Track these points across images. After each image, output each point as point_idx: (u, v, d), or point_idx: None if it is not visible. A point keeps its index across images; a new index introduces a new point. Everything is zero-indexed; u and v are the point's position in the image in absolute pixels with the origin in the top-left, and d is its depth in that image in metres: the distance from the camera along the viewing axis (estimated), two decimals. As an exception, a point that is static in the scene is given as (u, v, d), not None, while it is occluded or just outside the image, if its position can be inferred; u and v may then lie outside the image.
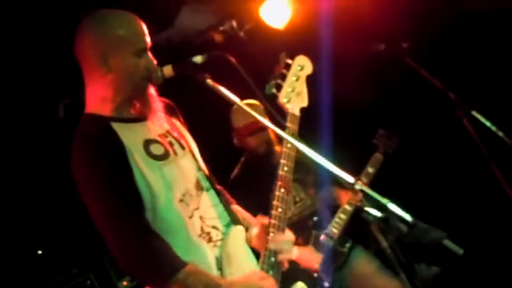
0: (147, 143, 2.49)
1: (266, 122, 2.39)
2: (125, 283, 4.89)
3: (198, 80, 2.43)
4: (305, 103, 2.90)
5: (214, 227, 2.55)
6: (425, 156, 5.22)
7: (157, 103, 2.60)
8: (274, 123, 2.43)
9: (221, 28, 4.61)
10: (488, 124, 3.48)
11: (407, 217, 1.98)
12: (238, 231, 2.60)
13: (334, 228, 4.00)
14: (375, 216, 2.06)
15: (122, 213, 2.34)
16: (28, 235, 4.99)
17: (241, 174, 4.27)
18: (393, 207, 2.02)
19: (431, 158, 5.22)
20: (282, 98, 2.82)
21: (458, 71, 4.65)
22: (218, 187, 2.73)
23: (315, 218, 4.08)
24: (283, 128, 2.71)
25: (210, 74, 2.43)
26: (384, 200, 2.03)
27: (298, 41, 4.76)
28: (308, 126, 3.01)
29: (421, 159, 5.23)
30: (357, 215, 3.98)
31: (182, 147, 2.64)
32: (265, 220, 2.65)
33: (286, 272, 2.61)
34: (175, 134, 2.67)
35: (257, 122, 4.06)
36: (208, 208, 2.57)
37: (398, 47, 3.79)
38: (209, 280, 2.34)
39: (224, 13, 4.78)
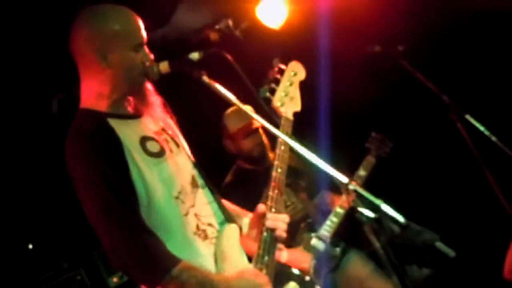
0: (143, 140, 2.49)
1: (261, 120, 2.39)
2: (115, 279, 4.88)
3: (194, 77, 2.42)
4: (298, 107, 2.96)
5: (209, 225, 2.54)
6: (418, 159, 5.23)
7: (154, 97, 2.59)
8: (269, 123, 2.44)
9: (217, 27, 4.60)
10: (481, 128, 3.49)
11: (400, 218, 1.99)
12: (232, 229, 2.59)
13: (326, 231, 4.00)
14: (368, 217, 2.06)
15: (117, 210, 2.33)
16: (19, 230, 4.98)
17: (233, 181, 4.27)
18: (386, 208, 2.02)
19: (424, 161, 5.23)
20: (276, 102, 2.88)
21: (453, 75, 4.67)
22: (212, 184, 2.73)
23: (308, 220, 4.09)
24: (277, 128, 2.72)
25: (206, 72, 2.43)
26: (377, 201, 2.04)
27: (293, 41, 4.76)
28: (304, 127, 3.02)
29: (415, 161, 5.24)
30: (351, 218, 3.99)
31: (177, 145, 2.65)
32: (260, 206, 2.64)
33: (278, 274, 2.60)
34: (170, 132, 2.68)
35: (251, 124, 4.10)
36: (203, 205, 2.57)
37: (393, 49, 3.80)
38: (203, 276, 2.34)
39: (220, 12, 4.77)
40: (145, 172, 2.40)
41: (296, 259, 3.86)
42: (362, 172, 4.19)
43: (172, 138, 2.65)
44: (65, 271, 4.89)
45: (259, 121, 2.38)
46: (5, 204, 4.88)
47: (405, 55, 3.77)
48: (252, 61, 3.02)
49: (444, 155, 5.06)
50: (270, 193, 2.65)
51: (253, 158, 4.17)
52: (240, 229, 2.65)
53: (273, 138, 2.86)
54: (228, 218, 2.64)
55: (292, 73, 2.96)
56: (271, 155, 4.13)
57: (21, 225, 4.99)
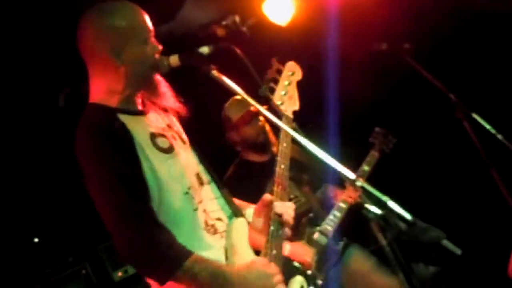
0: (153, 136, 2.49)
1: (262, 109, 2.41)
2: (120, 273, 4.90)
3: (203, 71, 2.43)
4: (297, 106, 3.01)
5: (218, 219, 2.56)
6: (425, 157, 5.23)
7: (165, 88, 2.59)
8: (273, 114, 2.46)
9: (223, 23, 4.60)
10: (488, 126, 3.48)
11: (407, 215, 1.98)
12: (241, 223, 2.60)
13: (328, 225, 4.00)
14: (374, 213, 2.06)
15: (130, 204, 2.32)
16: (25, 223, 5.00)
17: (234, 174, 4.28)
18: (392, 205, 2.01)
19: (431, 159, 5.23)
20: (276, 100, 2.93)
21: (460, 73, 4.66)
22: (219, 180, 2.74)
23: (310, 215, 4.09)
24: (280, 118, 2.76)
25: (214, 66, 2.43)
26: (384, 198, 2.03)
27: (300, 38, 4.77)
28: (310, 123, 3.03)
29: (421, 159, 5.24)
30: (354, 213, 3.99)
31: (183, 141, 2.66)
32: (267, 196, 2.67)
33: (281, 269, 2.61)
34: (175, 129, 2.68)
35: (251, 109, 4.12)
36: (210, 201, 2.58)
37: (400, 47, 3.79)
38: (215, 267, 2.35)
39: (227, 8, 4.77)
40: (157, 167, 2.40)
41: (298, 252, 3.86)
42: (365, 167, 4.20)
43: (178, 135, 2.66)
44: (70, 265, 4.91)
45: (265, 114, 2.39)
46: (11, 198, 4.90)
47: (411, 53, 3.77)
48: (259, 58, 3.03)
49: (451, 153, 5.06)
50: (275, 188, 2.67)
51: (258, 145, 4.19)
52: (248, 223, 2.66)
53: (278, 132, 2.88)
54: (236, 212, 2.65)
55: (290, 73, 3.04)
56: (274, 146, 4.13)
57: (27, 219, 5.00)
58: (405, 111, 5.22)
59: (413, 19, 4.72)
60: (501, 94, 4.78)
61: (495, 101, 4.58)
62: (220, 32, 4.55)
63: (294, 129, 2.77)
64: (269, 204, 2.63)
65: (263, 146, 4.19)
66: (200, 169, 2.65)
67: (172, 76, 2.60)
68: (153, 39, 2.54)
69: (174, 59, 2.51)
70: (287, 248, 3.64)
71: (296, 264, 3.83)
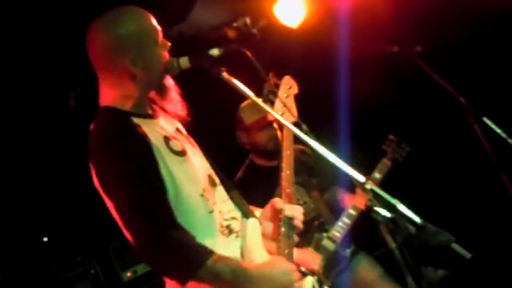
0: (167, 139, 2.49)
1: (277, 115, 2.42)
2: (129, 274, 4.89)
3: (213, 73, 2.43)
4: (294, 118, 3.07)
5: (233, 218, 2.57)
6: (435, 160, 5.21)
7: (175, 94, 2.59)
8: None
9: (234, 25, 4.61)
10: (498, 130, 3.47)
11: (416, 218, 1.98)
12: (254, 223, 2.62)
13: (337, 232, 3.98)
14: (384, 216, 2.05)
15: (152, 204, 2.32)
16: (34, 223, 5.02)
17: (244, 177, 4.27)
18: (402, 208, 2.01)
19: (441, 162, 5.21)
20: (277, 112, 3.00)
21: (471, 77, 4.64)
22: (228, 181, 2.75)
23: (320, 220, 4.08)
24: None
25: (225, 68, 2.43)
26: (393, 201, 2.03)
27: (311, 41, 4.77)
28: (322, 127, 3.05)
29: (431, 162, 5.22)
30: (362, 220, 3.98)
31: (193, 145, 2.67)
32: (277, 200, 2.71)
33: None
34: (184, 133, 2.70)
35: (267, 117, 4.11)
36: (223, 202, 2.59)
37: (411, 50, 3.79)
38: (236, 265, 2.37)
39: (238, 10, 4.78)
40: (173, 169, 2.40)
41: (306, 259, 3.85)
42: (377, 175, 4.16)
43: (187, 139, 2.67)
44: (79, 265, 4.92)
45: (275, 116, 2.40)
46: (21, 197, 4.92)
47: (423, 56, 3.76)
48: (269, 60, 3.04)
49: (461, 156, 5.05)
50: (282, 193, 2.74)
51: (267, 151, 4.17)
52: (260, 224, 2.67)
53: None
54: (247, 213, 2.65)
55: (287, 87, 3.15)
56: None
57: (36, 218, 5.02)
58: (415, 114, 5.20)
59: (425, 22, 4.72)
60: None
61: (506, 105, 4.56)
62: (231, 34, 4.57)
63: (306, 133, 2.78)
64: (279, 208, 2.65)
65: (272, 153, 4.16)
66: (211, 171, 2.65)
67: (182, 78, 2.61)
68: (162, 39, 2.55)
69: (184, 61, 2.51)
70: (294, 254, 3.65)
71: (303, 269, 3.83)
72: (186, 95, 2.68)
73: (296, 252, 3.22)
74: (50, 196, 5.02)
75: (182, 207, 2.40)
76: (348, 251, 4.06)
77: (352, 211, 4.02)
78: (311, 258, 3.87)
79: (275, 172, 3.60)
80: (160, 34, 2.54)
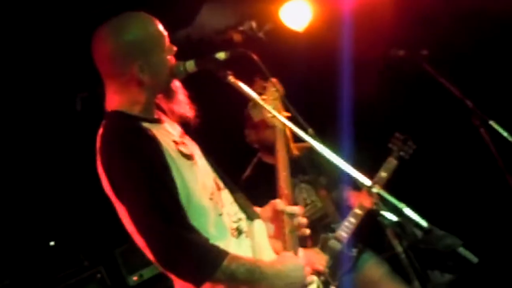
0: (176, 143, 2.50)
1: (282, 118, 2.46)
2: (135, 278, 4.90)
3: (219, 77, 2.43)
4: (284, 120, 3.08)
5: (240, 220, 2.58)
6: (441, 163, 5.21)
7: (182, 96, 2.59)
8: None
9: (240, 28, 4.63)
10: (505, 134, 3.46)
11: (423, 222, 1.97)
12: (261, 224, 2.64)
13: (343, 231, 3.99)
14: (390, 220, 2.05)
15: (167, 206, 2.32)
16: (41, 227, 5.02)
17: (252, 175, 4.28)
18: (409, 212, 2.01)
19: (447, 165, 5.20)
20: (267, 114, 3.03)
21: (477, 80, 4.64)
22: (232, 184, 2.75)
23: (327, 219, 4.09)
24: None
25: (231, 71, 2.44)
26: (400, 205, 2.03)
27: (317, 44, 4.77)
28: (326, 128, 3.04)
29: (438, 166, 5.21)
30: (368, 219, 3.98)
31: (198, 149, 2.67)
32: (278, 201, 2.71)
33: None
34: (188, 137, 2.70)
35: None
36: (230, 205, 2.60)
37: (417, 53, 3.78)
38: (251, 263, 2.38)
39: (244, 13, 4.79)
40: (184, 173, 2.40)
41: (311, 260, 3.85)
42: (383, 174, 4.15)
43: (191, 143, 2.67)
44: (85, 269, 4.92)
45: (282, 120, 2.42)
46: (27, 201, 4.92)
47: (429, 59, 3.75)
48: (275, 63, 3.04)
49: (467, 160, 5.04)
50: (281, 194, 2.74)
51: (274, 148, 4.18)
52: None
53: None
54: (252, 215, 2.66)
55: (274, 89, 3.13)
56: (293, 149, 4.12)
57: (43, 222, 5.03)
58: (421, 117, 5.20)
59: (430, 25, 4.71)
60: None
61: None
62: (237, 37, 4.58)
63: (312, 136, 2.78)
64: (280, 209, 2.65)
65: None
66: (216, 175, 2.66)
67: (188, 82, 2.61)
68: (168, 44, 2.55)
69: (190, 65, 2.51)
70: (300, 255, 3.65)
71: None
72: (193, 98, 2.68)
73: (302, 252, 3.23)
74: (56, 201, 5.02)
75: (194, 210, 2.40)
76: (354, 251, 4.06)
77: (358, 211, 4.02)
78: (317, 259, 3.88)
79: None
80: (167, 39, 2.55)
